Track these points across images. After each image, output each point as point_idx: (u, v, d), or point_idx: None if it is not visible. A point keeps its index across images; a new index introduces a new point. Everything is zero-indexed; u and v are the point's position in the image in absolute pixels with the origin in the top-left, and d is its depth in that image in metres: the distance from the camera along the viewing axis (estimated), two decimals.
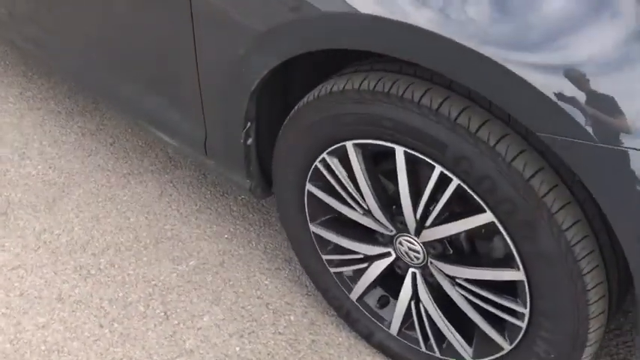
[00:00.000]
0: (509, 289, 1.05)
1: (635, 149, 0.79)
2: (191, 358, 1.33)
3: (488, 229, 1.01)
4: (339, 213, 1.23)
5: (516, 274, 1.00)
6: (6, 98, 2.06)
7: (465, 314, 1.13)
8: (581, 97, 0.80)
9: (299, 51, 1.06)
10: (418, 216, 1.08)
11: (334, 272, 1.32)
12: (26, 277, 1.51)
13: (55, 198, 1.71)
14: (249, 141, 1.28)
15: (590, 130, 0.80)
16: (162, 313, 1.42)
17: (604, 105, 0.79)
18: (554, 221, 0.92)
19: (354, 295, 1.31)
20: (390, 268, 1.24)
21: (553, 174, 0.92)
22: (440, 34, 0.87)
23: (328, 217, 1.27)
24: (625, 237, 0.86)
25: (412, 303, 1.21)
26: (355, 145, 1.10)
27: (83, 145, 1.88)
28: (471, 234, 1.10)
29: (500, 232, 0.99)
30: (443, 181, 1.01)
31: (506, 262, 1.02)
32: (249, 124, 1.25)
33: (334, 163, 1.16)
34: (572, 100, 0.80)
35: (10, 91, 2.09)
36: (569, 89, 0.80)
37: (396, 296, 1.26)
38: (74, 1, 1.57)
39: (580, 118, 0.80)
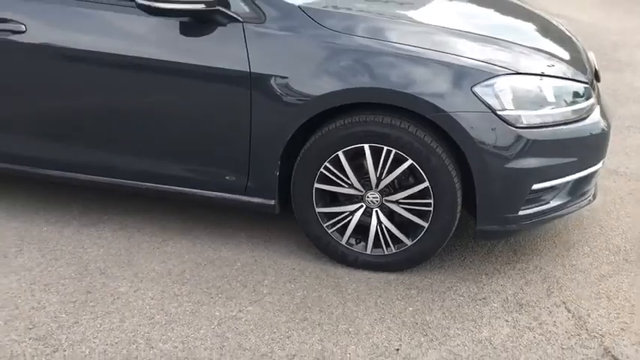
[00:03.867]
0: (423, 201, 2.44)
1: (456, 112, 2.27)
2: None
3: (409, 170, 2.40)
4: (334, 193, 2.51)
5: (425, 184, 2.39)
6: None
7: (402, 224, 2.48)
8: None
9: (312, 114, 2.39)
10: (377, 177, 2.43)
11: (331, 232, 2.56)
12: None
13: None
14: (277, 173, 2.52)
15: (445, 107, 2.28)
16: None
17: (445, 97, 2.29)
18: (439, 156, 2.34)
19: (344, 241, 2.55)
20: (359, 222, 2.53)
21: (435, 133, 2.35)
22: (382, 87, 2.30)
23: (326, 200, 2.54)
24: (473, 162, 2.31)
25: (378, 227, 2.51)
26: (343, 152, 2.43)
27: None
28: (400, 176, 2.45)
29: (414, 170, 2.38)
30: (387, 156, 2.39)
31: (419, 180, 2.40)
32: (279, 162, 2.49)
33: (331, 166, 2.46)
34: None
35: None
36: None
37: (364, 239, 2.54)
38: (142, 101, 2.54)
39: (441, 104, 2.27)
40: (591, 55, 2.93)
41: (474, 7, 3.13)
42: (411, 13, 2.84)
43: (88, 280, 2.49)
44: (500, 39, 2.58)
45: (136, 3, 2.29)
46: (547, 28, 3.06)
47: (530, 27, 3.06)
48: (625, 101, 4.67)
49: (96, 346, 2.14)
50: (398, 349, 2.15)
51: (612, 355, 2.13)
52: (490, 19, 3.06)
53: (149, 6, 2.27)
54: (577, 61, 2.71)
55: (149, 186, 2.70)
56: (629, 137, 4.01)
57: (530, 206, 2.43)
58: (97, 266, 2.57)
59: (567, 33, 3.08)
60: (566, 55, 2.71)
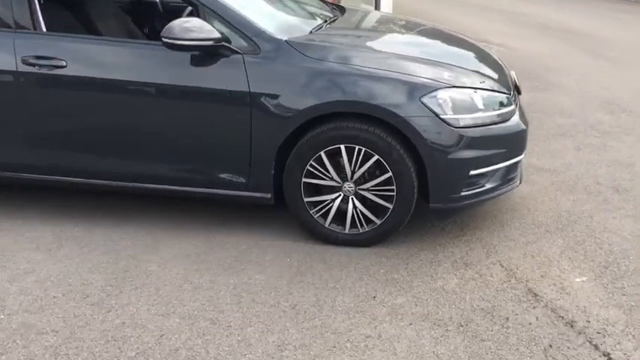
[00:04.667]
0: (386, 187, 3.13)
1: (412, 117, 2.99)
2: None
3: (375, 163, 3.09)
4: (318, 185, 3.18)
5: (389, 174, 3.09)
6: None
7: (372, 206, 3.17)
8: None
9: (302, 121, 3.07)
10: (351, 170, 3.12)
11: (317, 216, 3.22)
12: None
13: None
14: (272, 171, 3.18)
15: (401, 113, 2.99)
16: None
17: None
18: (398, 152, 3.04)
19: (327, 223, 3.22)
20: (338, 208, 3.21)
21: (394, 134, 3.05)
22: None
23: (312, 191, 3.21)
24: (424, 155, 3.02)
25: (354, 210, 3.19)
26: (324, 151, 3.11)
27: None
28: (369, 169, 3.13)
29: (379, 163, 3.08)
30: (358, 153, 3.08)
31: (384, 171, 3.10)
32: (273, 162, 3.16)
33: (315, 163, 3.13)
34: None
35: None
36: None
37: (343, 222, 3.21)
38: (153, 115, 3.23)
39: (398, 111, 2.99)
40: (513, 74, 3.71)
41: (423, 39, 3.90)
42: (374, 44, 3.58)
43: (122, 263, 3.09)
44: (442, 62, 3.34)
45: (162, 41, 2.97)
46: (480, 55, 3.83)
47: (466, 54, 3.83)
48: (552, 115, 5.50)
49: (140, 306, 2.74)
50: (375, 297, 2.82)
51: (534, 293, 2.84)
52: (436, 48, 3.83)
53: (172, 43, 2.95)
54: (501, 78, 3.48)
55: (165, 188, 3.33)
56: (554, 143, 4.81)
57: (469, 189, 3.15)
58: (128, 253, 3.18)
59: (495, 58, 3.87)
60: (493, 74, 3.47)
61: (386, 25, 4.18)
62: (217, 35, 3.02)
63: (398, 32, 4.05)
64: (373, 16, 4.17)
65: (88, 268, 3.04)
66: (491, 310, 2.73)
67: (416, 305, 2.76)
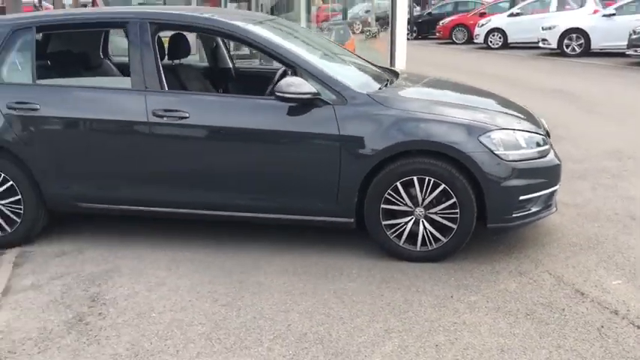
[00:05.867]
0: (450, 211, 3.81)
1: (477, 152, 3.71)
2: None
3: (442, 191, 3.77)
4: (393, 210, 3.85)
5: (454, 200, 3.77)
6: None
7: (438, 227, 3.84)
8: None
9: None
10: (422, 197, 3.80)
11: (392, 238, 3.88)
12: None
13: None
14: (355, 200, 3.86)
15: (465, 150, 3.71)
16: None
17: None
18: (462, 181, 3.73)
19: (401, 242, 3.88)
20: (410, 229, 3.87)
21: (457, 167, 3.76)
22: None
23: (388, 215, 3.87)
24: (483, 183, 3.72)
25: (424, 231, 3.85)
26: (400, 182, 3.80)
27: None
28: (436, 195, 3.80)
29: (445, 191, 3.76)
30: (428, 183, 3.77)
31: (449, 197, 3.78)
32: (357, 192, 3.84)
33: (392, 192, 3.82)
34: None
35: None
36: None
37: (414, 241, 3.88)
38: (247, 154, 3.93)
39: (462, 148, 3.71)
40: (543, 120, 4.48)
41: (468, 91, 4.73)
42: (433, 96, 4.36)
43: (235, 277, 3.72)
44: (490, 109, 4.11)
45: (275, 95, 3.72)
46: (515, 105, 4.60)
47: (504, 102, 4.59)
48: (565, 161, 6.15)
49: (263, 305, 3.36)
50: (452, 296, 3.45)
51: (581, 292, 3.49)
52: (481, 98, 4.57)
53: (283, 96, 3.70)
54: (535, 121, 4.24)
55: (264, 216, 4.00)
56: (573, 184, 5.52)
57: (519, 211, 3.84)
58: (236, 270, 3.80)
59: (524, 107, 4.64)
60: (529, 119, 4.23)
61: (438, 83, 4.97)
62: (314, 90, 3.77)
63: (448, 88, 4.83)
64: (424, 77, 4.97)
65: (207, 281, 3.66)
66: (549, 304, 3.37)
67: (487, 302, 3.40)
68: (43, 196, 4.09)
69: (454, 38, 22.74)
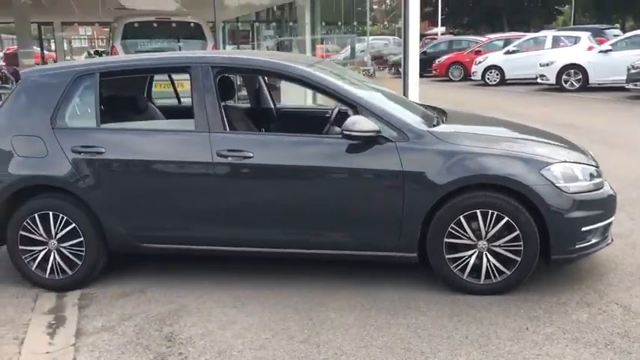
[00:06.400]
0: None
1: (526, 184, 3.79)
2: None
3: (505, 224, 3.83)
4: (456, 244, 3.90)
5: (517, 232, 3.83)
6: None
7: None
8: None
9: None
10: (485, 231, 3.85)
11: (456, 271, 3.91)
12: None
13: None
14: (419, 234, 3.90)
15: (528, 183, 3.78)
16: None
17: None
18: (524, 214, 3.79)
19: (464, 276, 3.91)
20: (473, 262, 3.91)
21: (520, 200, 3.83)
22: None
23: (451, 249, 3.91)
24: (546, 215, 3.78)
25: (487, 264, 3.89)
26: (463, 216, 3.86)
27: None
28: (499, 228, 3.86)
29: (508, 224, 3.82)
30: (492, 216, 3.83)
31: (512, 230, 3.83)
32: (420, 226, 3.89)
33: (455, 225, 3.87)
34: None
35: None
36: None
37: (477, 274, 3.91)
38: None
39: (525, 182, 3.78)
40: (591, 153, 4.58)
41: (516, 127, 4.83)
42: (489, 132, 4.45)
43: (304, 313, 3.72)
44: (547, 142, 4.21)
45: (343, 134, 3.79)
46: (560, 137, 4.70)
47: (551, 135, 4.68)
48: None
49: (341, 341, 3.36)
50: (527, 328, 3.48)
51: None
52: (533, 132, 4.67)
53: (349, 134, 3.78)
54: (586, 155, 4.34)
55: (326, 252, 4.03)
56: None
57: (581, 242, 3.90)
58: (304, 307, 3.80)
59: (575, 143, 4.75)
60: (579, 151, 4.33)
61: (486, 120, 5.08)
62: (377, 128, 3.85)
63: (498, 124, 4.96)
64: (471, 115, 5.10)
65: (278, 318, 3.67)
66: (625, 333, 3.40)
67: (564, 333, 3.42)
68: (105, 238, 4.10)
69: (451, 76, 23.13)
